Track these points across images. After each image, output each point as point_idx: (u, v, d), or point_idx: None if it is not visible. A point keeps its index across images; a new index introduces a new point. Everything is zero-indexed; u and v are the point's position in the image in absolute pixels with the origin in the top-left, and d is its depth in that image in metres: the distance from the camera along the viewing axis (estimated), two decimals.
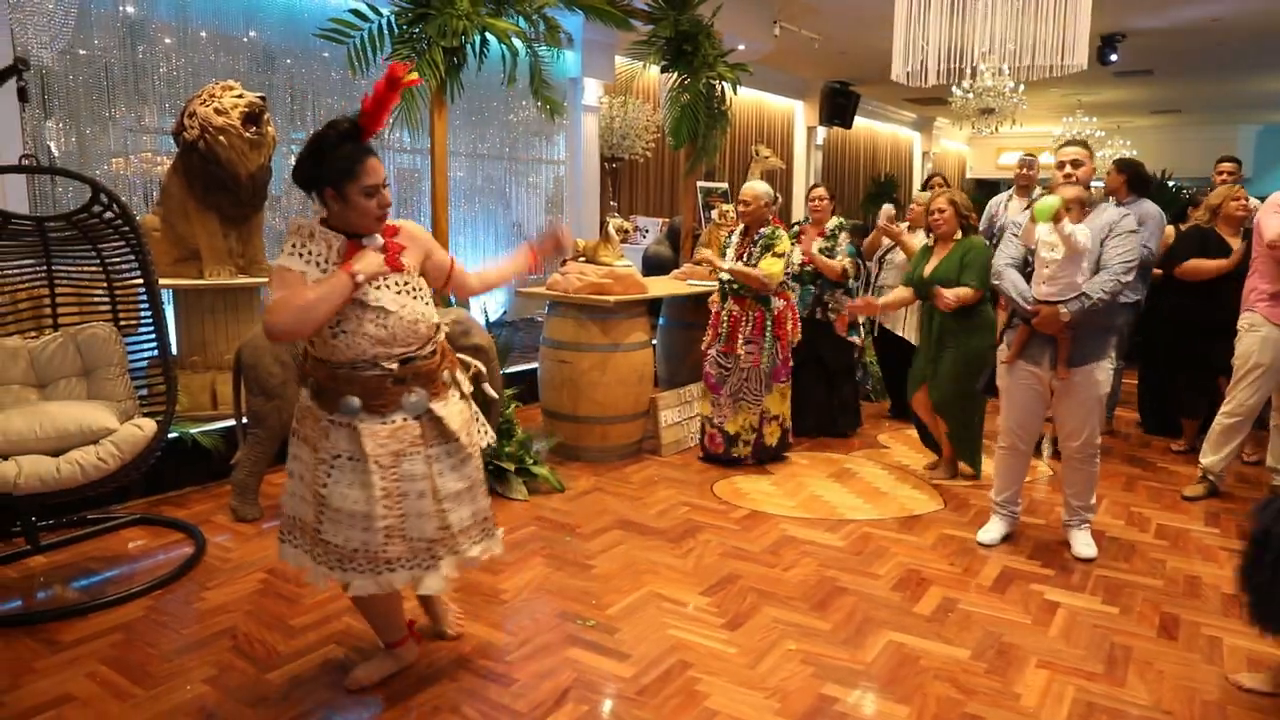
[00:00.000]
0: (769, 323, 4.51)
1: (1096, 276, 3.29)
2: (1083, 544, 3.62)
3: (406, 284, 2.33)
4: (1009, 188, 6.09)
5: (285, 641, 2.79)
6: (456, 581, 2.50)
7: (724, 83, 6.32)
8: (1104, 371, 3.43)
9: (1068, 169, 3.49)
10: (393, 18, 4.54)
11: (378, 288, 2.26)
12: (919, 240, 4.88)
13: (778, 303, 4.54)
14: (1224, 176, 5.28)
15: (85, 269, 3.61)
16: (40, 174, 4.80)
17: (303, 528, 2.38)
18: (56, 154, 5.05)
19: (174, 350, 3.97)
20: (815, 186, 5.37)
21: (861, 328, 5.23)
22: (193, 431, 4.14)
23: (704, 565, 3.45)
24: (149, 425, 3.26)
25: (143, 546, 3.55)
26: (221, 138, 4.24)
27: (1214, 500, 4.31)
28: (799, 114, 12.56)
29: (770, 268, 4.41)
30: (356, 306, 2.23)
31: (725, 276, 4.59)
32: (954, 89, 9.36)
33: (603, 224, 5.62)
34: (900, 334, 5.31)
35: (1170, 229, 5.30)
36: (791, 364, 4.68)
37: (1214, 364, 4.76)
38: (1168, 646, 2.89)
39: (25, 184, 4.66)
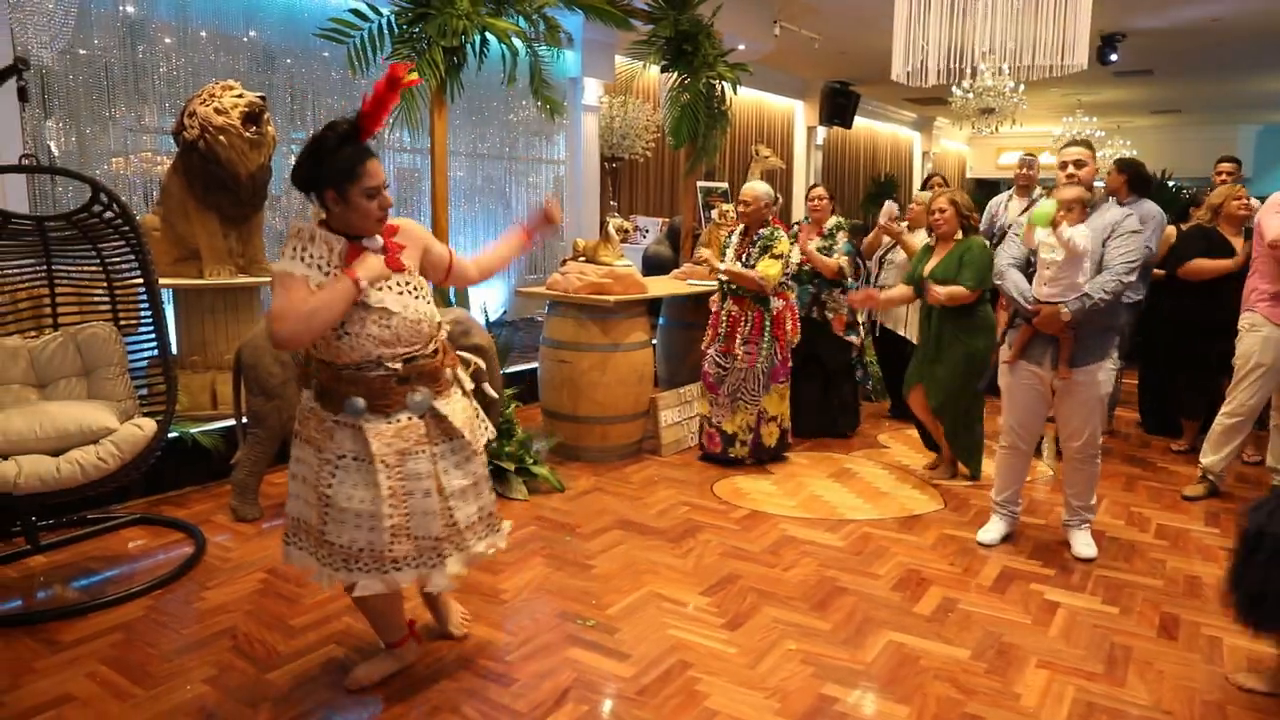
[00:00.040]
0: (767, 323, 4.51)
1: (1098, 276, 3.29)
2: (1083, 544, 3.62)
3: (408, 284, 2.34)
4: (1009, 188, 6.10)
5: (285, 641, 2.79)
6: (459, 580, 2.50)
7: (724, 83, 6.32)
8: (1105, 372, 3.43)
9: (1070, 169, 3.47)
10: (393, 17, 4.54)
11: (380, 289, 2.26)
12: (919, 239, 4.88)
13: (777, 303, 4.54)
14: (1223, 177, 5.28)
15: (85, 269, 3.61)
16: (40, 174, 4.80)
17: (307, 529, 2.38)
18: (56, 154, 5.05)
19: (174, 350, 3.97)
20: (815, 186, 5.38)
21: (861, 327, 5.23)
22: (193, 431, 4.14)
23: (704, 565, 3.45)
24: (149, 425, 3.26)
25: (143, 546, 3.55)
26: (221, 137, 4.24)
27: (1214, 500, 4.31)
28: (799, 114, 12.56)
29: (767, 270, 4.41)
30: (360, 308, 2.23)
31: (724, 277, 4.59)
32: (954, 89, 9.36)
33: (603, 224, 5.62)
34: (902, 334, 5.31)
35: (1171, 229, 5.31)
36: (790, 364, 4.68)
37: (1214, 364, 4.76)
38: (1168, 646, 2.89)
39: (25, 184, 4.66)
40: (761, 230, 4.53)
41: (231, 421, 3.98)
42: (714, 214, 6.14)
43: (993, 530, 3.74)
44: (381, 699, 2.49)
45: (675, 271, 6.09)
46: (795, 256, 4.66)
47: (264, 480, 3.92)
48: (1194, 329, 4.95)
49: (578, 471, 4.58)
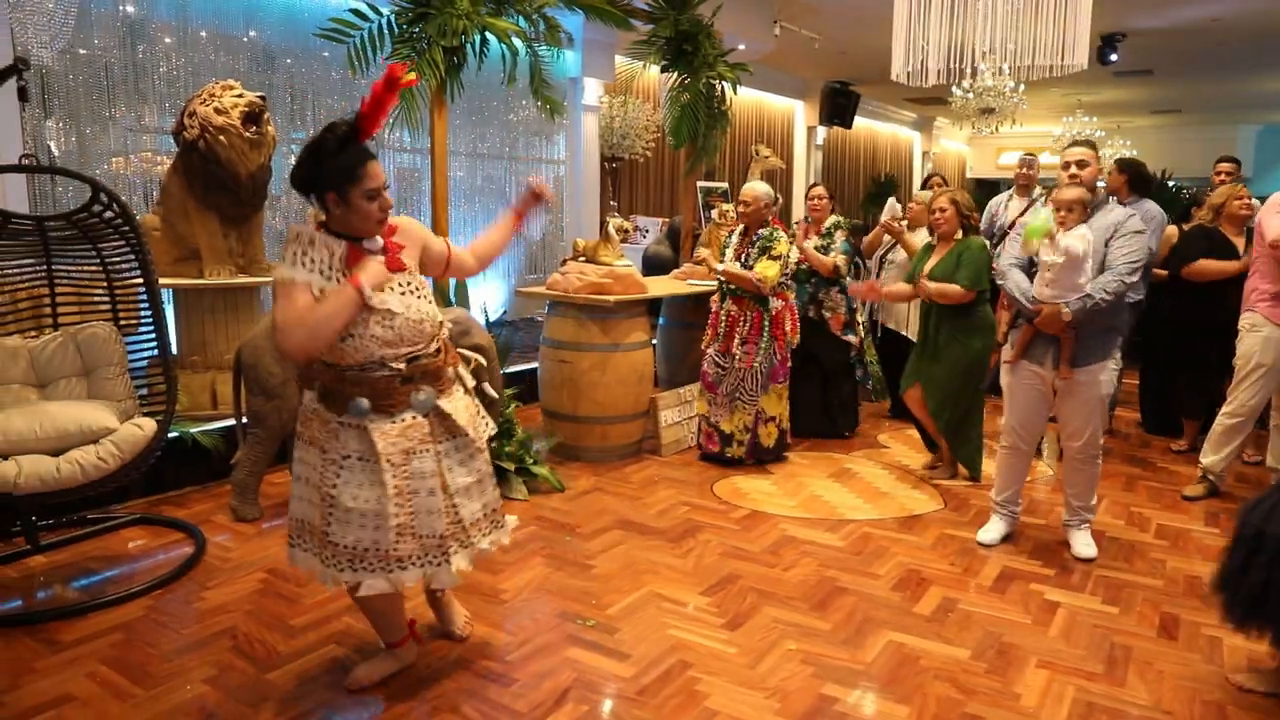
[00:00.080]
0: (766, 323, 4.51)
1: (1101, 276, 3.28)
2: (1083, 544, 3.62)
3: (409, 283, 2.34)
4: (1009, 188, 6.10)
5: (285, 641, 2.79)
6: (463, 576, 2.50)
7: (724, 82, 6.32)
8: (1108, 372, 3.42)
9: (1073, 169, 3.45)
10: (393, 17, 4.54)
11: (383, 291, 2.26)
12: (919, 238, 4.88)
13: (776, 303, 4.53)
14: (1222, 177, 5.28)
15: (85, 269, 3.61)
16: (40, 173, 4.79)
17: (310, 531, 2.38)
18: (56, 153, 5.04)
19: (174, 350, 3.97)
20: (814, 186, 5.38)
21: (860, 326, 5.23)
22: (193, 431, 4.14)
23: (704, 565, 3.45)
24: (149, 425, 3.26)
25: (143, 546, 3.55)
26: (221, 137, 4.24)
27: (1214, 500, 4.31)
28: (799, 114, 12.56)
29: (765, 270, 4.40)
30: (363, 310, 2.23)
31: (722, 277, 4.59)
32: (954, 89, 9.36)
33: (603, 224, 5.62)
34: (905, 334, 5.31)
35: (1173, 229, 5.30)
36: (790, 365, 4.68)
37: (1214, 364, 4.76)
38: (1168, 646, 2.89)
39: (25, 183, 4.66)
40: (761, 231, 4.52)
41: (231, 421, 3.97)
42: (714, 214, 6.14)
43: (993, 530, 3.74)
44: (382, 699, 2.49)
45: (675, 271, 6.09)
46: (794, 257, 4.66)
47: (264, 480, 3.93)
48: (1194, 329, 4.95)
49: (578, 471, 4.58)
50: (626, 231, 5.25)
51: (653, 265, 7.37)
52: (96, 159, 5.29)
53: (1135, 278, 3.32)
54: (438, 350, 2.41)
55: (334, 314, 2.15)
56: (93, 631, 2.83)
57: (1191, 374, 5.02)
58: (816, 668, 2.70)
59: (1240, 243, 4.70)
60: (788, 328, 4.59)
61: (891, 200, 5.26)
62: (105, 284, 3.62)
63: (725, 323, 4.59)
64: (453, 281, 4.66)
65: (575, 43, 7.82)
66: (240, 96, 4.33)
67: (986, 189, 16.38)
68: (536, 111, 5.89)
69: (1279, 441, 4.31)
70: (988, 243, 4.39)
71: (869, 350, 5.38)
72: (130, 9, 5.40)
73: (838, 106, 12.24)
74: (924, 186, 7.05)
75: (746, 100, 11.00)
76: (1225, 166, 5.35)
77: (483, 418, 2.59)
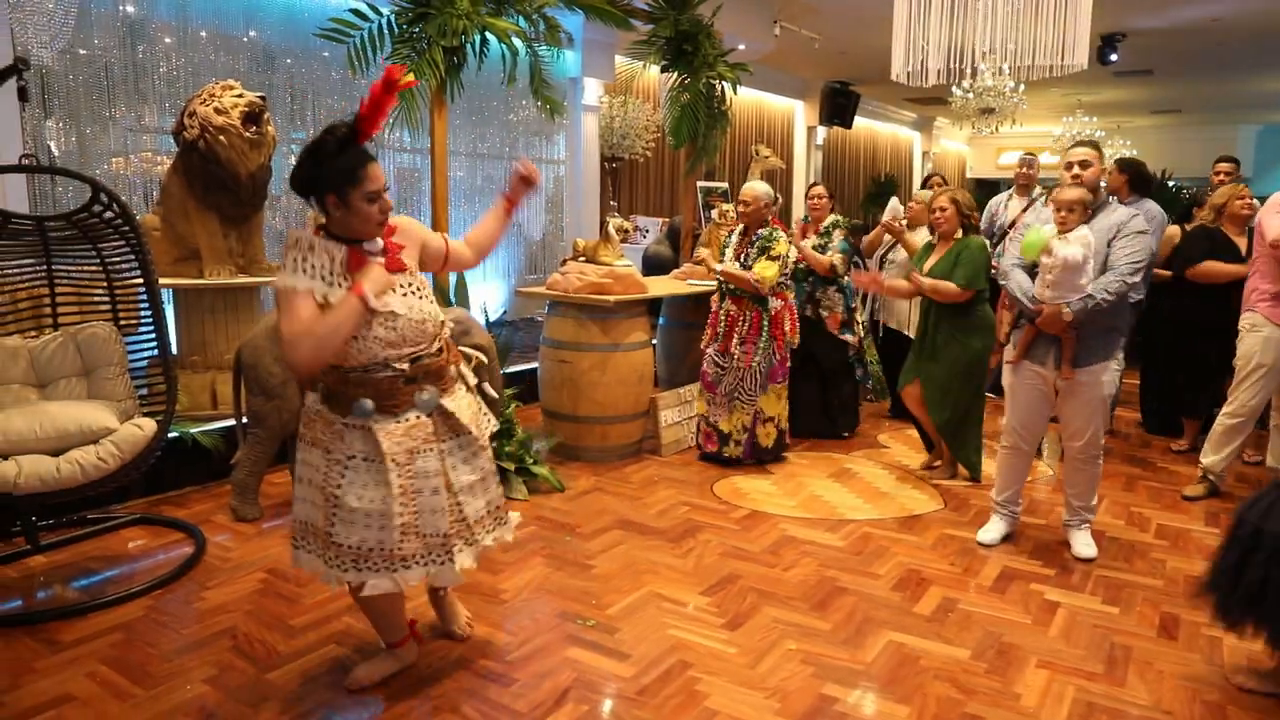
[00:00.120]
0: (765, 323, 4.51)
1: (1102, 277, 3.28)
2: (1083, 544, 3.62)
3: (410, 284, 2.34)
4: (1009, 188, 6.10)
5: (285, 641, 2.79)
6: (467, 575, 2.51)
7: (724, 82, 6.32)
8: (1110, 373, 3.42)
9: (1075, 169, 3.43)
10: (393, 17, 4.53)
11: (385, 296, 2.26)
12: (920, 238, 4.88)
13: (775, 303, 4.53)
14: (1221, 177, 5.28)
15: (85, 269, 3.61)
16: (40, 174, 4.79)
17: (314, 532, 2.38)
18: (56, 153, 5.05)
19: (174, 350, 3.97)
20: (814, 185, 5.38)
21: (860, 326, 5.22)
22: (193, 431, 4.14)
23: (704, 565, 3.45)
24: (149, 425, 3.26)
25: (143, 546, 3.55)
26: (221, 137, 4.24)
27: (1214, 500, 4.31)
28: (799, 114, 12.56)
29: (763, 271, 4.40)
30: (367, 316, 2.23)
31: (721, 277, 4.59)
32: (954, 89, 9.36)
33: (603, 224, 5.62)
34: (907, 333, 5.31)
35: (1174, 229, 5.30)
36: (789, 365, 4.68)
37: (1215, 364, 4.76)
38: (1168, 646, 2.89)
39: (25, 184, 4.66)
40: (760, 230, 4.52)
41: (231, 421, 3.97)
42: (714, 214, 6.14)
43: (993, 530, 3.74)
44: (382, 699, 2.49)
45: (675, 271, 6.09)
46: (793, 256, 4.66)
47: (264, 480, 3.92)
48: (1194, 329, 4.95)
49: (578, 471, 4.58)
50: (626, 231, 5.25)
51: (653, 265, 7.37)
52: (96, 159, 5.29)
53: (1137, 278, 3.31)
54: (440, 350, 2.42)
55: (339, 324, 2.14)
56: (93, 631, 2.83)
57: (1192, 374, 5.02)
58: (816, 668, 2.70)
59: (1243, 243, 4.69)
60: (787, 328, 4.59)
61: (893, 200, 5.26)
62: (105, 284, 3.62)
63: (724, 322, 4.59)
64: (453, 281, 4.67)
65: (575, 43, 7.82)
66: (240, 96, 4.33)
67: (986, 189, 16.38)
68: (536, 111, 5.89)
69: (1279, 441, 4.31)
70: (987, 242, 4.39)
71: (869, 350, 5.38)
72: (130, 9, 5.40)
73: (838, 106, 12.24)
74: (924, 186, 7.05)
75: (746, 100, 11.00)
76: (1224, 166, 5.35)
77: (485, 414, 2.61)
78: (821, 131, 12.73)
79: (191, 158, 4.31)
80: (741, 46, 7.94)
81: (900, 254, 5.28)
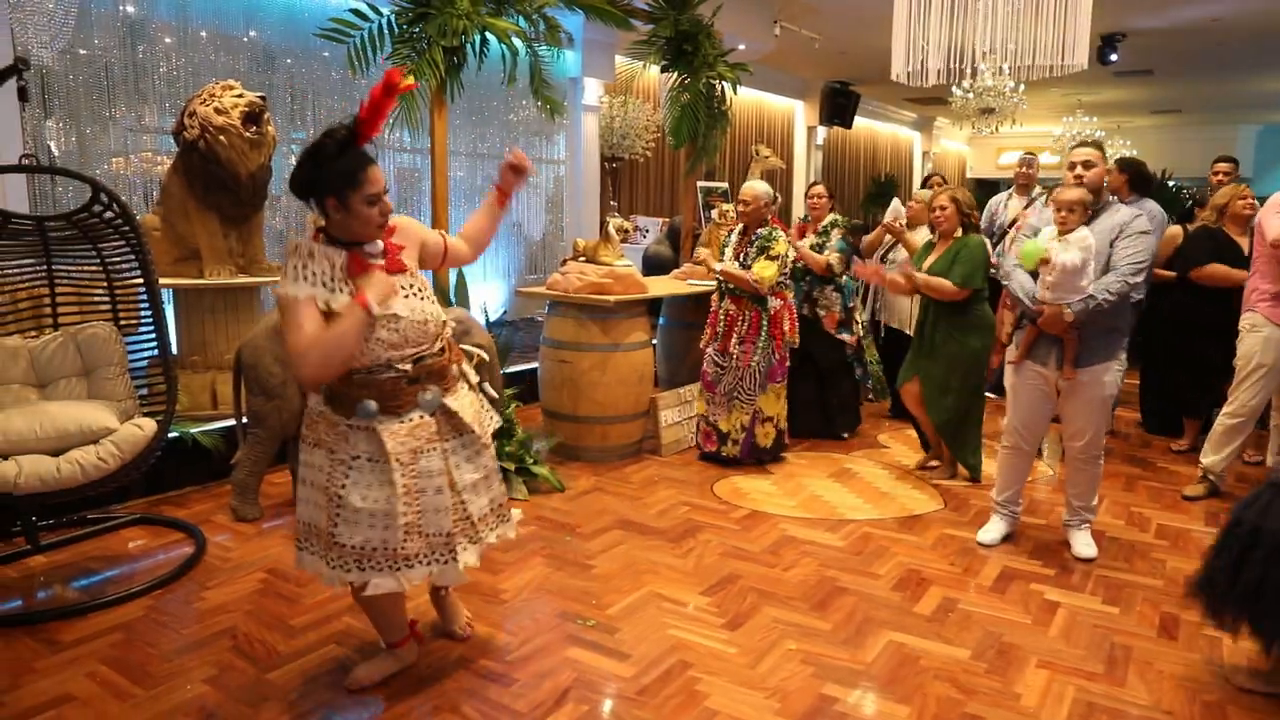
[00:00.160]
0: (765, 323, 4.51)
1: (1104, 277, 3.27)
2: (1083, 544, 3.62)
3: (412, 285, 2.34)
4: (1009, 187, 6.10)
5: (285, 641, 2.79)
6: (466, 577, 2.51)
7: (724, 82, 6.32)
8: (1113, 373, 3.41)
9: (1078, 170, 3.41)
10: (393, 17, 4.53)
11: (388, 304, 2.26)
12: (920, 237, 4.88)
13: (774, 303, 4.53)
14: (1220, 177, 5.28)
15: (85, 269, 3.61)
16: (40, 174, 4.79)
17: (317, 534, 2.38)
18: (56, 154, 5.05)
19: (174, 350, 3.97)
20: (814, 184, 5.37)
21: (859, 325, 5.22)
22: (193, 431, 4.14)
23: (704, 565, 3.45)
24: (149, 425, 3.26)
25: (143, 546, 3.55)
26: (222, 137, 4.24)
27: (1214, 500, 4.31)
28: (799, 114, 12.56)
29: (762, 271, 4.40)
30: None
31: (720, 276, 4.59)
32: (954, 89, 9.36)
33: (603, 224, 5.62)
34: (909, 332, 5.31)
35: (1176, 229, 5.30)
36: (788, 364, 4.67)
37: (1215, 364, 4.76)
38: (1168, 646, 2.89)
39: (25, 184, 4.66)
40: (760, 230, 4.52)
41: (231, 421, 3.98)
42: (714, 214, 6.14)
43: (993, 530, 3.74)
44: (382, 699, 2.49)
45: (675, 271, 6.09)
46: (793, 256, 4.66)
47: (264, 480, 3.92)
48: (1194, 329, 4.95)
49: (578, 471, 4.58)
50: (626, 231, 5.24)
51: (653, 265, 7.37)
52: (96, 159, 5.29)
53: (1139, 279, 3.29)
54: (442, 349, 2.42)
55: (344, 336, 2.14)
56: (93, 631, 2.83)
57: (1192, 374, 5.01)
58: (816, 668, 2.70)
59: (1245, 243, 4.69)
60: (786, 327, 4.58)
61: (895, 202, 5.26)
62: (105, 284, 3.62)
63: (724, 321, 4.59)
64: (453, 281, 4.67)
65: (575, 43, 7.82)
66: (240, 96, 4.33)
67: (986, 189, 16.37)
68: (536, 111, 5.89)
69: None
70: (987, 241, 4.39)
71: (869, 350, 5.38)
72: (130, 9, 5.40)
73: (838, 106, 12.24)
74: (924, 186, 7.06)
75: (746, 100, 11.00)
76: (1222, 166, 5.35)
77: (488, 412, 2.61)
78: (821, 131, 12.73)
79: (191, 158, 4.31)
80: (741, 46, 7.93)
81: (901, 253, 5.28)
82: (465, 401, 2.47)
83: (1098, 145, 3.50)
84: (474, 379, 2.59)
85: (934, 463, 4.68)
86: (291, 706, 2.44)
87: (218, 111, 4.25)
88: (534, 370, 5.17)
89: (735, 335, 4.53)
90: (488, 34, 4.60)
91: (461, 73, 4.67)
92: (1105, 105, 14.05)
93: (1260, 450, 4.81)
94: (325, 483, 2.31)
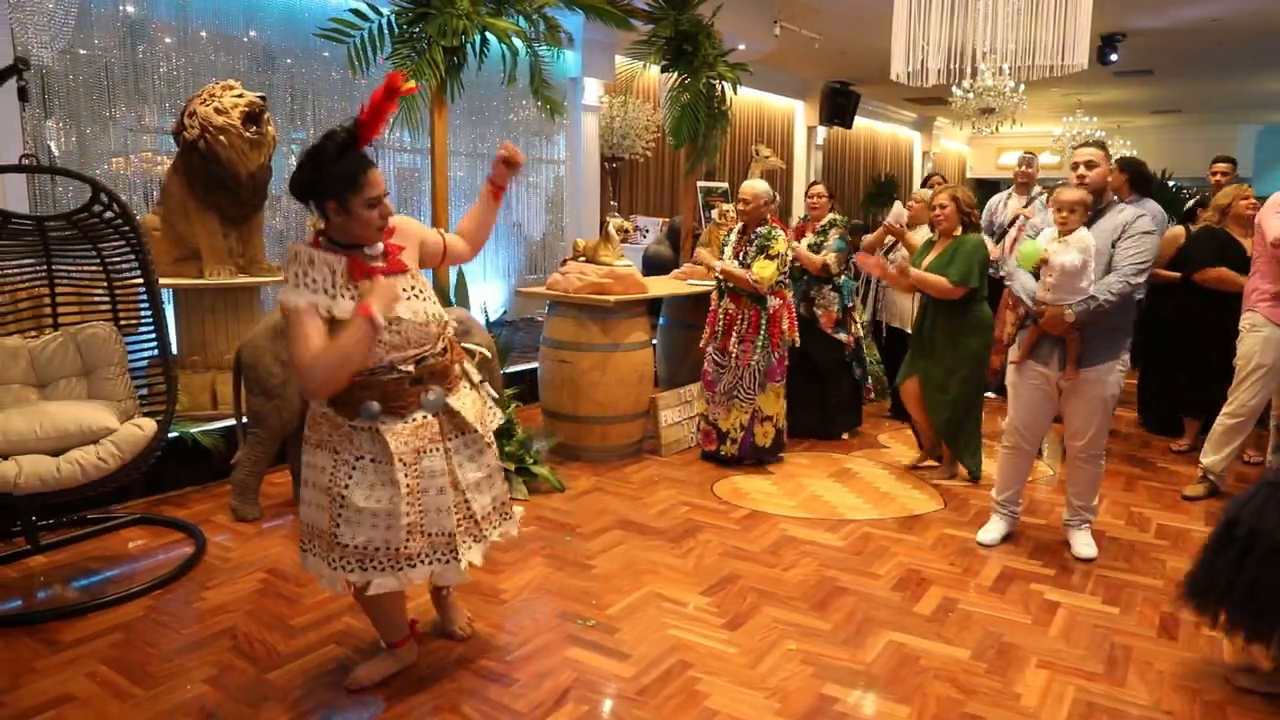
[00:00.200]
0: (764, 322, 4.51)
1: (1106, 278, 3.27)
2: (1083, 544, 3.62)
3: (412, 286, 2.34)
4: (1009, 187, 6.10)
5: (285, 641, 2.79)
6: (468, 576, 2.51)
7: (724, 82, 6.32)
8: (1115, 374, 3.41)
9: (1081, 170, 3.40)
10: (393, 17, 4.53)
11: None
12: (920, 236, 4.89)
13: (774, 302, 4.53)
14: (1219, 177, 5.28)
15: (85, 269, 3.61)
16: (40, 174, 4.79)
17: (320, 535, 2.38)
18: (56, 153, 5.04)
19: (174, 350, 3.97)
20: (814, 184, 5.37)
21: (858, 325, 5.22)
22: (193, 431, 4.14)
23: (704, 565, 3.45)
24: (149, 425, 3.26)
25: (143, 546, 3.55)
26: (222, 137, 4.24)
27: (1214, 500, 4.30)
28: (799, 114, 12.56)
29: (762, 270, 4.40)
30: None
31: (719, 275, 4.60)
32: (954, 89, 9.37)
33: (603, 224, 5.62)
34: (910, 332, 5.31)
35: (1179, 229, 5.29)
36: (788, 364, 4.67)
37: (1215, 364, 4.75)
38: (1168, 646, 2.89)
39: (25, 184, 4.66)
40: (759, 229, 4.52)
41: (231, 421, 3.98)
42: (714, 214, 6.13)
43: (993, 530, 3.74)
44: (382, 699, 2.49)
45: (675, 271, 6.09)
46: (792, 255, 4.66)
47: (264, 480, 3.92)
48: (1195, 329, 4.95)
49: (578, 471, 4.58)
50: (626, 231, 5.24)
51: (653, 265, 7.37)
52: (96, 159, 5.29)
53: (1141, 279, 3.28)
54: (444, 349, 2.42)
55: (349, 347, 2.13)
56: (93, 631, 2.83)
57: (1192, 374, 5.01)
58: (816, 668, 2.70)
59: (1248, 243, 4.68)
60: (785, 326, 4.58)
61: (898, 204, 5.26)
62: (105, 284, 3.62)
63: (723, 321, 4.59)
64: (453, 281, 4.67)
65: (575, 43, 7.82)
66: (240, 96, 4.33)
67: (986, 189, 16.35)
68: (536, 111, 5.89)
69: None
70: (986, 240, 4.39)
71: (869, 349, 5.38)
72: (130, 9, 5.40)
73: (838, 106, 12.24)
74: (924, 186, 7.06)
75: (746, 100, 11.00)
76: (1221, 166, 5.35)
77: (490, 409, 2.61)
78: (821, 131, 12.73)
79: (192, 158, 4.31)
80: (741, 46, 7.93)
81: (901, 253, 5.28)
82: (467, 400, 2.48)
83: (1101, 145, 3.49)
84: (476, 377, 2.59)
85: (929, 463, 4.68)
86: (291, 706, 2.44)
87: (218, 111, 4.25)
88: (534, 370, 5.17)
89: (735, 334, 4.53)
90: (488, 34, 4.60)
91: (461, 73, 4.68)
92: (1105, 105, 14.05)
93: (1260, 450, 4.81)
94: (328, 483, 2.31)
